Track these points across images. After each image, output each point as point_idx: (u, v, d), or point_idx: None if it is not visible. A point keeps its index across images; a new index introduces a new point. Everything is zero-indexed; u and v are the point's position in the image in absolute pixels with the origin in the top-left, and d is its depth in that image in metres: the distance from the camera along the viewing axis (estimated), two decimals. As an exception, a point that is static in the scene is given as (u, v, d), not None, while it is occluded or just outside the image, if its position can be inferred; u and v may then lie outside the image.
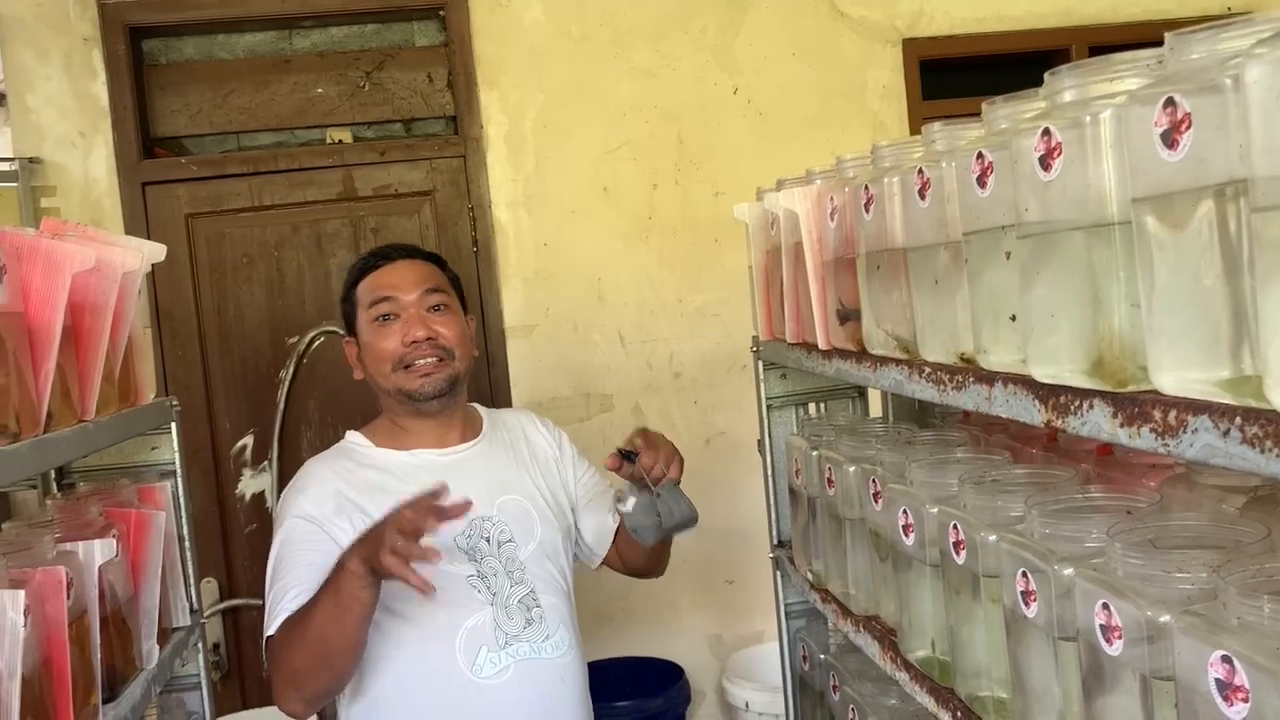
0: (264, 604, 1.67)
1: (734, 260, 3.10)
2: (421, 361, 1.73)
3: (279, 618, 1.58)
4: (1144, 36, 3.17)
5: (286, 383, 3.05)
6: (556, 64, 3.09)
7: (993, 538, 1.13)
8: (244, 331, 3.06)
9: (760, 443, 2.03)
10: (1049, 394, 0.96)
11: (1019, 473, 1.26)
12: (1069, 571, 0.99)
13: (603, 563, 1.93)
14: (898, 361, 1.30)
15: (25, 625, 1.13)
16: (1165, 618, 0.84)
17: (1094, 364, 0.89)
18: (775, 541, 2.02)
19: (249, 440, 3.07)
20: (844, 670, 1.79)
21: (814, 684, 1.96)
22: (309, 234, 3.08)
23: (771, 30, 3.15)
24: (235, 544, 3.06)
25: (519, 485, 1.81)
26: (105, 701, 1.42)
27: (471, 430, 1.85)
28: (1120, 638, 0.90)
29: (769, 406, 2.00)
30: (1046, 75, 0.95)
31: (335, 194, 3.08)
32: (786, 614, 2.02)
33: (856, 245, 1.40)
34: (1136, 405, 0.83)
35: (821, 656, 1.90)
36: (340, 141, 3.11)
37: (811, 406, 2.04)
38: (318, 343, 3.08)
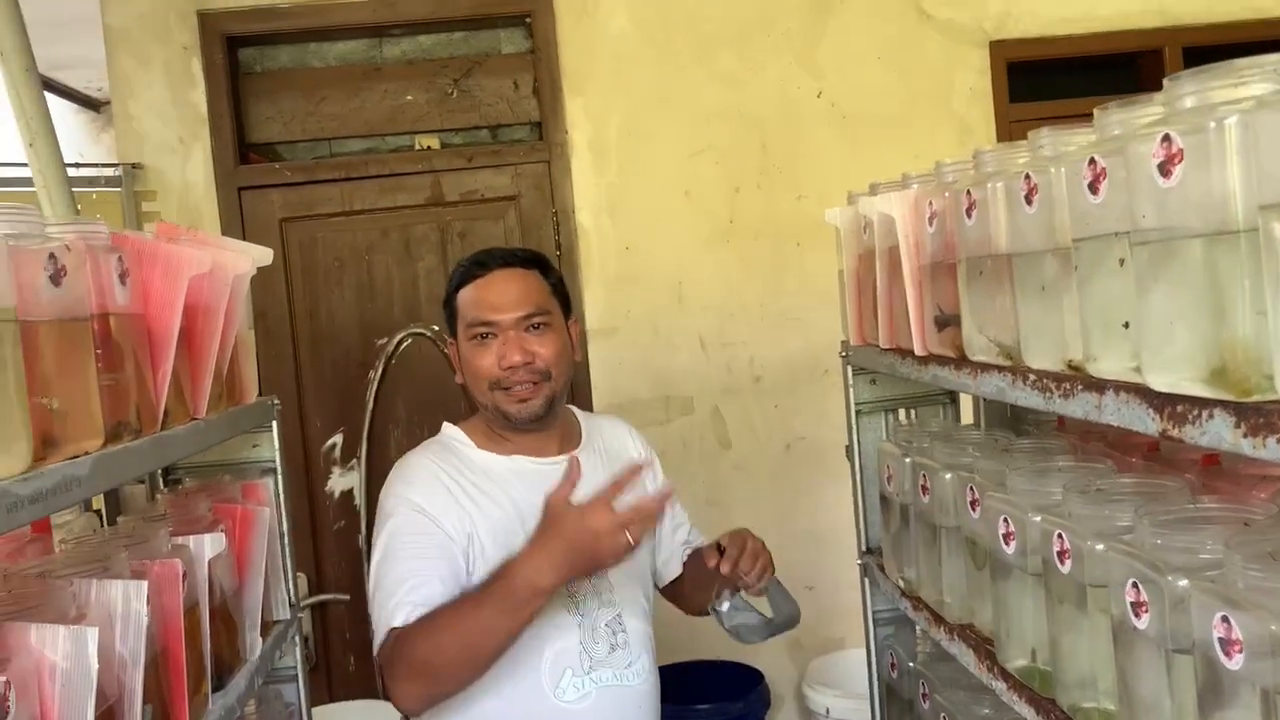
0: (369, 595, 1.64)
1: (815, 264, 3.09)
2: (518, 386, 1.69)
3: (401, 609, 1.55)
4: (1241, 36, 3.10)
5: (375, 383, 3.12)
6: (640, 70, 3.11)
7: (1100, 547, 1.12)
8: (334, 333, 3.14)
9: (848, 449, 2.02)
10: (1164, 403, 0.94)
11: (1125, 482, 1.24)
12: (1184, 583, 0.97)
13: (658, 589, 1.91)
14: (1000, 368, 1.29)
15: (147, 615, 1.17)
16: (1292, 631, 0.83)
17: (1215, 373, 0.87)
18: (864, 548, 2.01)
19: (338, 439, 3.14)
20: (934, 679, 1.78)
21: (902, 692, 1.94)
22: (398, 238, 3.15)
23: (856, 33, 3.14)
24: (324, 540, 3.13)
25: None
26: (213, 690, 1.47)
27: (570, 440, 1.82)
28: (1241, 651, 0.88)
29: (858, 412, 1.99)
30: (1166, 81, 0.94)
31: (423, 199, 3.14)
32: (874, 621, 2.01)
33: (957, 250, 1.39)
34: (1262, 415, 0.82)
35: (910, 664, 1.88)
36: (428, 148, 3.17)
37: (901, 412, 2.03)
38: (406, 344, 3.15)
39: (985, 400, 2.07)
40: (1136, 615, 1.04)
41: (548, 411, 1.73)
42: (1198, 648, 0.95)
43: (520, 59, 3.22)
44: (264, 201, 3.09)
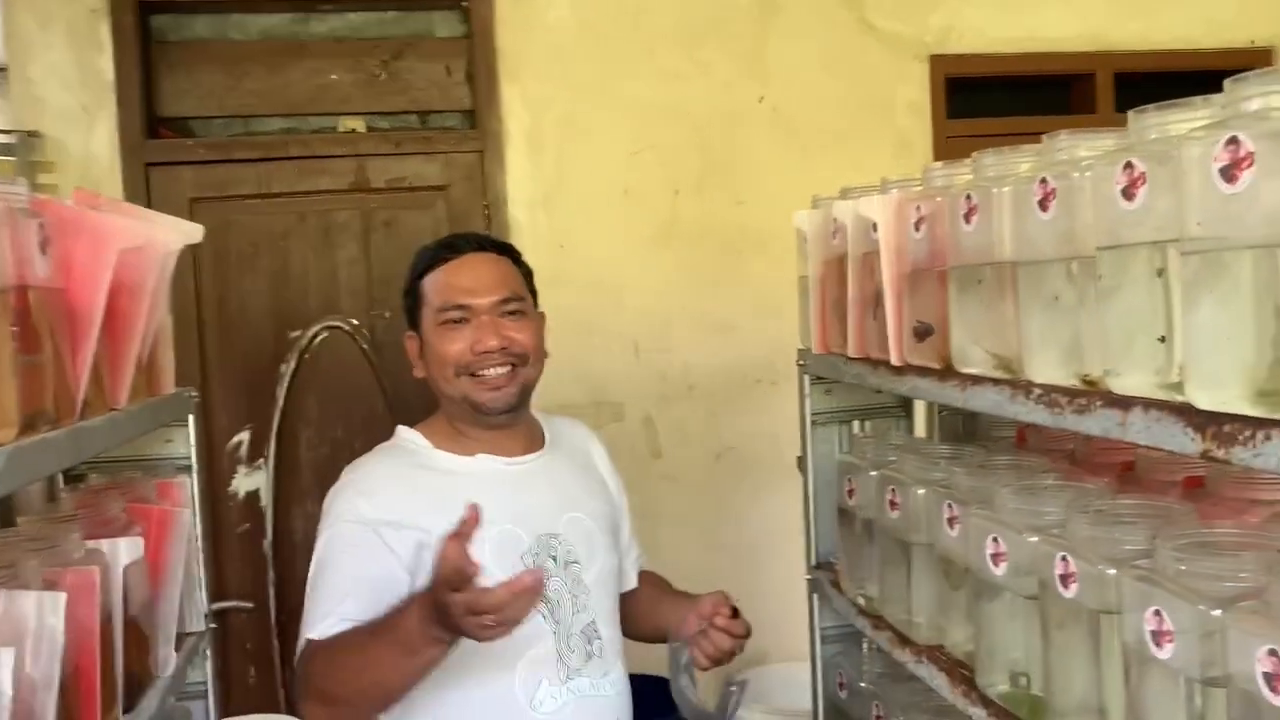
0: (307, 584, 1.59)
1: (754, 272, 3.04)
2: (492, 372, 1.60)
3: (323, 621, 1.49)
4: (1172, 65, 3.16)
5: (287, 378, 2.94)
6: (581, 61, 3.01)
7: (1112, 571, 1.07)
8: (245, 323, 2.95)
9: (800, 460, 1.96)
10: (1207, 422, 0.89)
11: (1128, 503, 1.20)
12: (1218, 613, 0.92)
13: None
14: (997, 381, 1.23)
15: (63, 631, 1.03)
16: (1354, 669, 0.78)
17: (1274, 393, 0.82)
18: (813, 563, 1.95)
19: (245, 436, 2.96)
20: (890, 700, 1.72)
21: (850, 712, 1.88)
22: (317, 225, 2.98)
23: (800, 40, 3.10)
24: (226, 544, 2.94)
25: (584, 503, 1.70)
26: (124, 712, 1.32)
27: (535, 439, 1.73)
28: (1293, 688, 0.83)
29: (813, 423, 1.93)
30: (1227, 83, 0.88)
31: (346, 184, 2.98)
32: (822, 638, 1.95)
33: (948, 257, 1.33)
34: (1332, 438, 0.77)
35: (862, 684, 1.83)
36: (354, 131, 3.02)
37: (855, 424, 1.98)
38: (321, 338, 2.98)
39: (940, 414, 2.03)
40: (1158, 644, 0.99)
41: (520, 403, 1.66)
42: (1234, 681, 0.90)
43: (454, 43, 3.08)
44: (174, 179, 2.89)
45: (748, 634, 1.66)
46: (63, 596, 1.02)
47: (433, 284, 1.65)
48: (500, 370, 1.61)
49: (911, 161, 2.94)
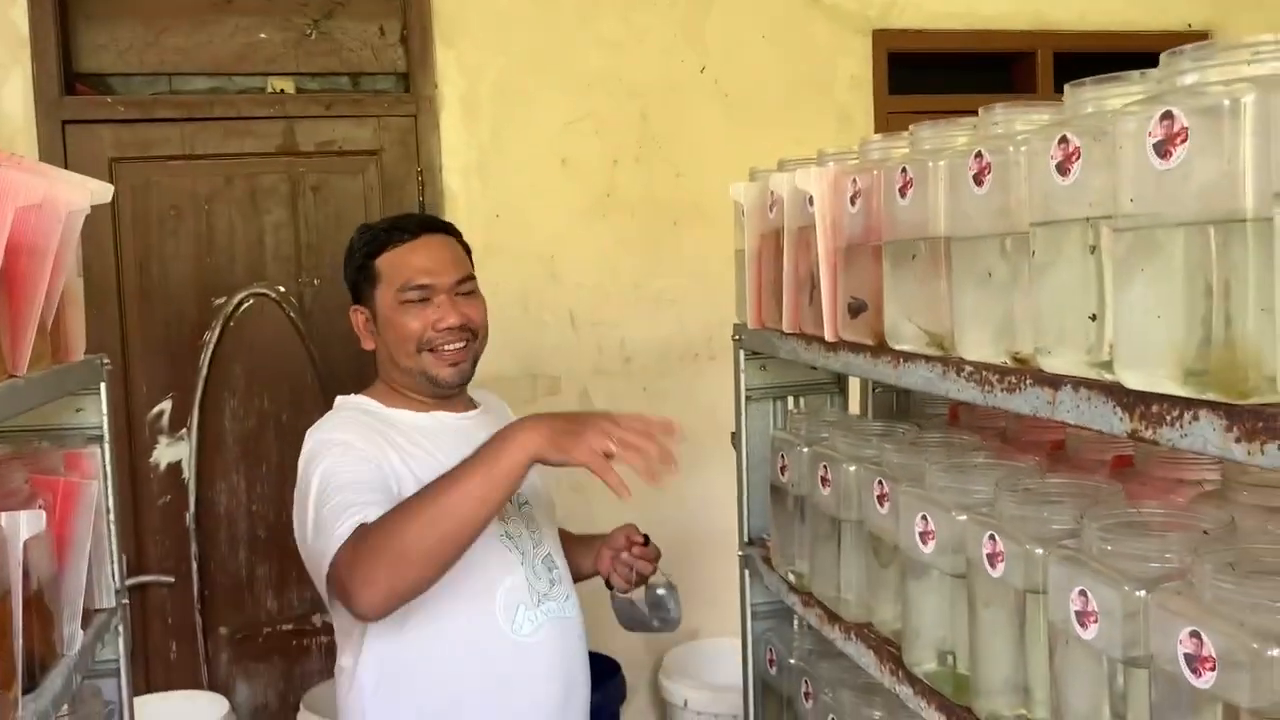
0: (306, 533, 1.61)
1: (692, 245, 3.02)
2: (449, 347, 1.74)
3: (360, 511, 1.51)
4: (1110, 45, 3.18)
5: (211, 346, 2.86)
6: (520, 26, 2.94)
7: (1039, 551, 1.06)
8: (167, 289, 2.85)
9: (734, 435, 1.94)
10: (1136, 401, 0.88)
11: (1055, 482, 1.19)
12: (1142, 593, 0.92)
13: None
14: (929, 359, 1.22)
15: (-51, 609, 0.97)
16: (1275, 651, 0.78)
17: (1203, 372, 0.81)
18: (745, 539, 1.94)
19: (167, 406, 2.87)
20: (818, 676, 1.72)
21: (779, 688, 1.88)
22: (243, 188, 2.89)
23: (742, 11, 3.06)
24: (147, 516, 2.85)
25: None
26: (25, 692, 1.26)
27: (469, 402, 1.88)
28: (1213, 669, 0.83)
29: (747, 398, 1.91)
30: (1163, 56, 0.87)
31: (274, 147, 2.88)
32: (753, 614, 1.94)
33: (883, 232, 1.31)
34: (1261, 419, 0.76)
35: (791, 661, 1.82)
36: (282, 92, 2.92)
37: (789, 400, 1.96)
38: (247, 305, 2.89)
39: (873, 391, 2.03)
40: (1083, 625, 0.98)
41: (471, 374, 1.81)
42: (1156, 662, 0.89)
43: (388, 3, 2.98)
44: (92, 138, 2.77)
45: (659, 556, 1.92)
46: (-51, 574, 0.95)
47: (390, 263, 1.75)
48: (458, 345, 1.74)
49: (852, 136, 2.90)
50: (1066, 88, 1.02)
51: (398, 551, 1.43)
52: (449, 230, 1.85)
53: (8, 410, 1.24)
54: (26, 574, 1.27)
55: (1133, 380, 0.88)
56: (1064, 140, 0.97)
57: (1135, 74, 0.95)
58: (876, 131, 3.00)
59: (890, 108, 3.16)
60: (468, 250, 1.86)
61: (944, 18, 3.17)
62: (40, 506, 1.33)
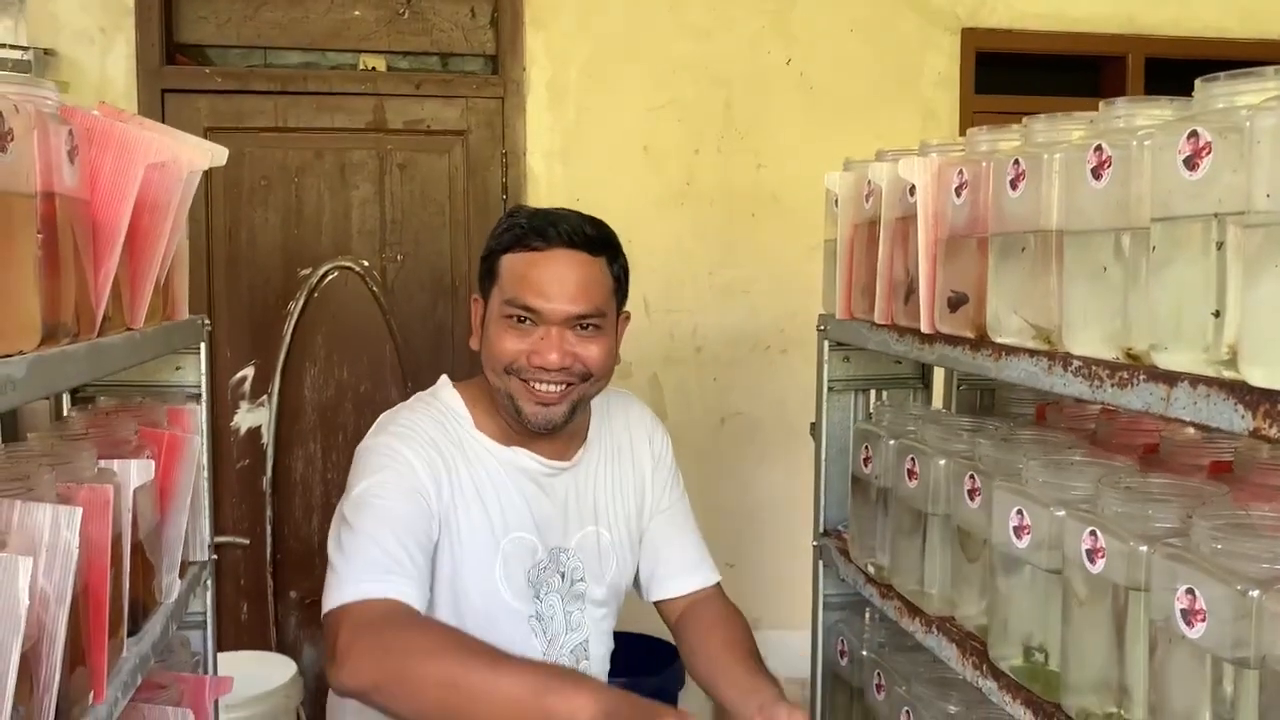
0: (332, 533, 1.46)
1: (769, 236, 3.02)
2: (541, 386, 1.48)
3: (367, 579, 1.35)
4: (1204, 53, 3.12)
5: (295, 316, 2.92)
6: (608, 11, 2.97)
7: (1144, 548, 1.06)
8: (254, 258, 2.92)
9: (814, 426, 1.94)
10: (1260, 399, 0.87)
11: (1159, 481, 1.18)
12: (1255, 593, 0.91)
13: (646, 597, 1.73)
14: (1033, 353, 1.21)
15: (77, 546, 1.01)
16: (1402, 656, 0.77)
17: (1337, 372, 0.81)
18: (821, 530, 1.94)
19: (249, 372, 2.93)
20: (892, 669, 1.72)
21: (850, 680, 1.88)
22: (333, 162, 2.94)
23: (831, 4, 3.05)
24: (225, 479, 2.93)
25: (606, 514, 1.64)
26: (128, 635, 1.30)
27: (578, 435, 1.63)
28: (1331, 672, 0.82)
29: (829, 389, 1.91)
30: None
31: (364, 123, 2.94)
32: (825, 605, 1.94)
33: (990, 224, 1.31)
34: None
35: (864, 653, 1.82)
36: (373, 69, 2.97)
37: (871, 393, 1.96)
38: (331, 277, 2.95)
39: (958, 388, 2.02)
40: (1188, 624, 0.98)
41: (567, 421, 1.53)
42: (1267, 663, 0.89)
43: (480, -14, 3.03)
44: (189, 107, 2.85)
45: None
46: (79, 511, 0.99)
47: (510, 268, 1.49)
48: (553, 387, 1.48)
49: (937, 133, 2.91)
50: (1197, 83, 1.01)
51: (405, 679, 1.25)
52: (600, 249, 1.54)
53: (125, 361, 1.29)
54: (134, 521, 1.32)
55: (1258, 378, 0.87)
56: (1194, 135, 0.96)
57: (1270, 70, 0.94)
58: (962, 131, 2.97)
59: (976, 106, 3.14)
60: (621, 274, 1.58)
61: (1033, 18, 3.14)
62: (148, 457, 1.37)
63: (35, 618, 0.97)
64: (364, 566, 1.36)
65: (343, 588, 1.35)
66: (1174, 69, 3.16)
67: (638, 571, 1.71)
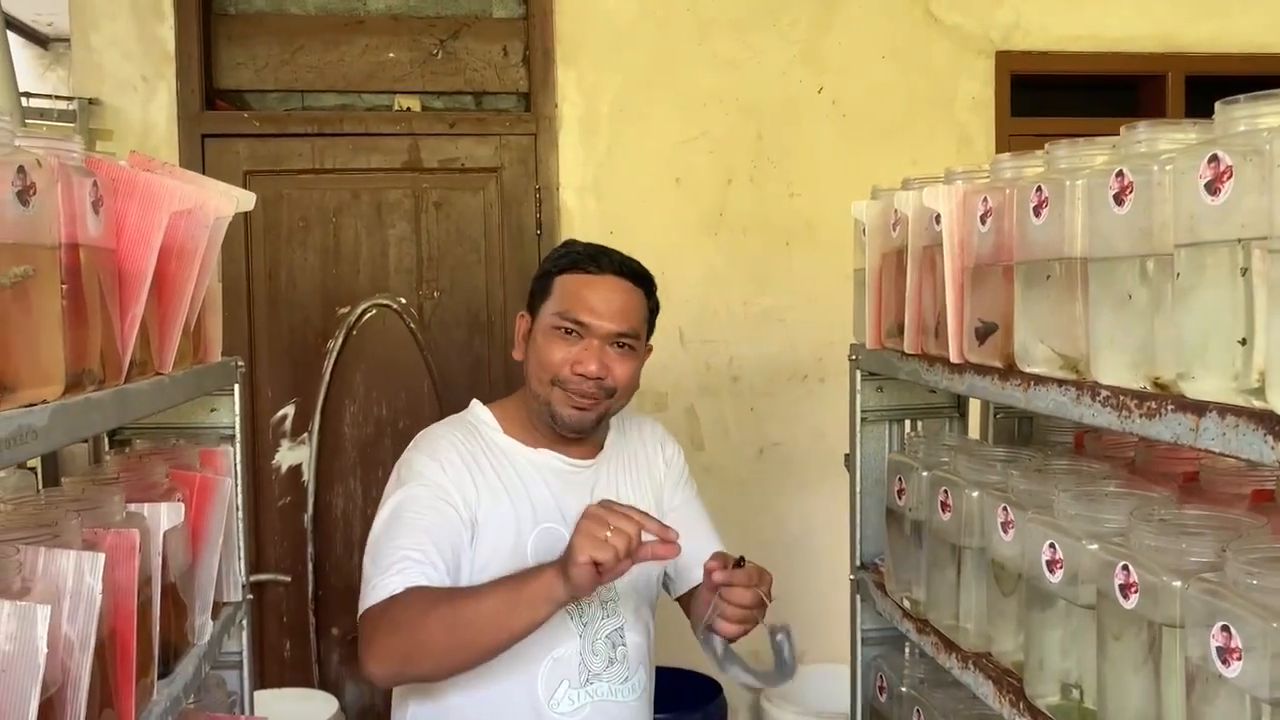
0: (367, 554, 1.60)
1: (804, 265, 3.00)
2: (580, 396, 1.65)
3: (398, 576, 1.50)
4: (1245, 69, 3.07)
5: (334, 354, 2.95)
6: (638, 46, 2.98)
7: (1178, 583, 1.02)
8: (294, 298, 2.96)
9: (848, 458, 1.92)
10: (1291, 430, 0.85)
11: (1194, 514, 1.15)
12: (1293, 631, 0.88)
13: (674, 597, 1.85)
14: (1062, 382, 1.19)
15: (101, 592, 1.02)
16: None
17: (1368, 401, 0.78)
18: (858, 564, 1.91)
19: (290, 410, 2.97)
20: (931, 706, 1.68)
21: (889, 717, 1.84)
22: (369, 202, 2.98)
23: (862, 30, 3.04)
24: (266, 517, 2.96)
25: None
26: (160, 677, 1.31)
27: (597, 444, 1.79)
28: (1373, 714, 0.78)
29: (863, 420, 1.89)
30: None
31: (400, 163, 2.97)
32: (863, 640, 1.91)
33: (1015, 252, 1.29)
34: None
35: (903, 689, 1.78)
36: (408, 109, 3.01)
37: (906, 423, 1.93)
38: (369, 315, 2.98)
39: (994, 416, 1.98)
40: (1225, 661, 0.94)
41: (595, 428, 1.72)
42: (1308, 704, 0.85)
43: (511, 24, 3.07)
44: (229, 151, 2.90)
45: (763, 579, 1.57)
46: (101, 557, 1.01)
47: (565, 286, 1.68)
48: (588, 394, 1.65)
49: (972, 158, 2.88)
50: (1217, 105, 0.98)
51: (416, 641, 1.44)
52: (641, 282, 1.74)
53: (153, 406, 1.30)
54: (165, 564, 1.33)
55: (1285, 407, 0.84)
56: (1214, 159, 0.94)
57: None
58: (998, 154, 2.94)
59: (1012, 130, 3.11)
60: (654, 309, 1.77)
61: (1069, 40, 3.10)
62: (179, 500, 1.39)
63: (59, 663, 0.98)
64: (390, 572, 1.50)
65: (369, 594, 1.51)
66: (1215, 86, 3.12)
67: (665, 572, 1.81)
